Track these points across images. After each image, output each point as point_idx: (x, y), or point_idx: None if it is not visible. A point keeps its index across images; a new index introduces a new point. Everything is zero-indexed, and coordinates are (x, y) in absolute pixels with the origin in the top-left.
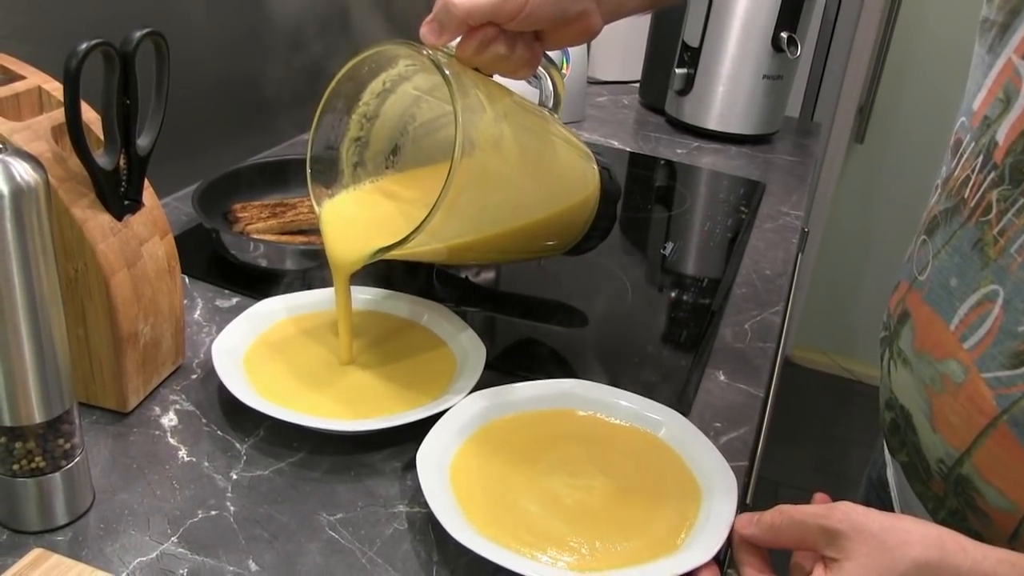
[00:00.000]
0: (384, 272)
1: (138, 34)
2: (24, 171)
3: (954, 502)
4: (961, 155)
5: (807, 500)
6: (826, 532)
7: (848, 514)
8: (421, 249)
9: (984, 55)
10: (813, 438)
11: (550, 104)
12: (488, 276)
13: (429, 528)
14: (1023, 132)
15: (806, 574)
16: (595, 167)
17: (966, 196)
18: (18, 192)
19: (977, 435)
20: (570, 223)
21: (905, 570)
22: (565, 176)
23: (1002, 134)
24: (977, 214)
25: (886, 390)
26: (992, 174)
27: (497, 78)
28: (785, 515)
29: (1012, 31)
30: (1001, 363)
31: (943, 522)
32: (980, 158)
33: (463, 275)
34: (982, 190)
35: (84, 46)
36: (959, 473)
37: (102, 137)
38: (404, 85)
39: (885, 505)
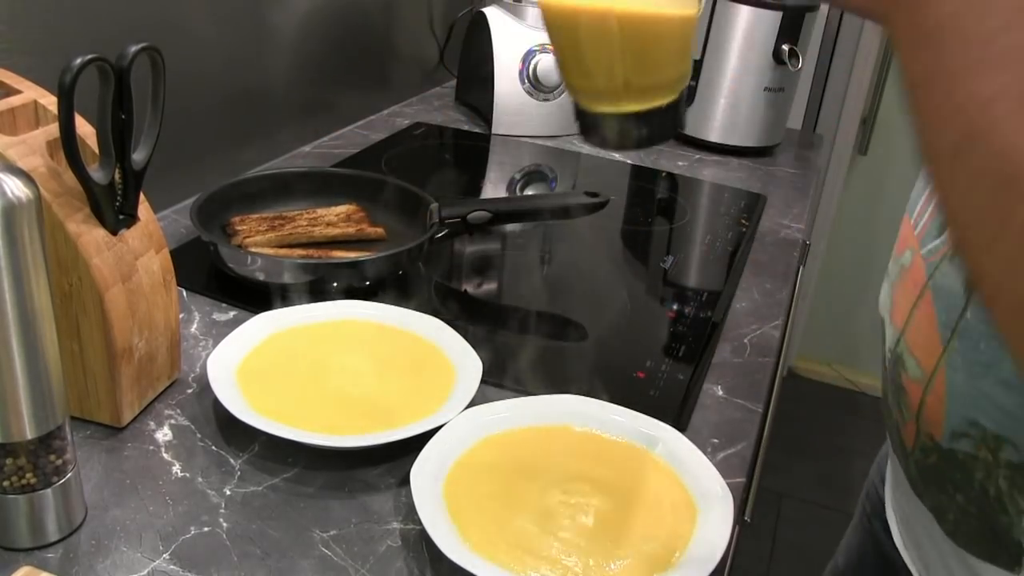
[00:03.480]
0: (382, 286)
1: (133, 49)
2: (16, 187)
3: (889, 394)
4: None
5: (810, 512)
6: None
7: None
8: None
9: None
10: (816, 449)
11: None
12: (487, 289)
13: (423, 545)
14: None
15: None
16: None
17: None
18: (9, 208)
19: (911, 308)
20: (688, 44)
21: None
22: None
23: None
24: None
25: (880, 325)
26: None
27: None
28: None
29: None
30: (933, 235)
31: (894, 437)
32: None
33: (462, 289)
34: None
35: (78, 61)
36: (897, 353)
37: (97, 151)
38: None
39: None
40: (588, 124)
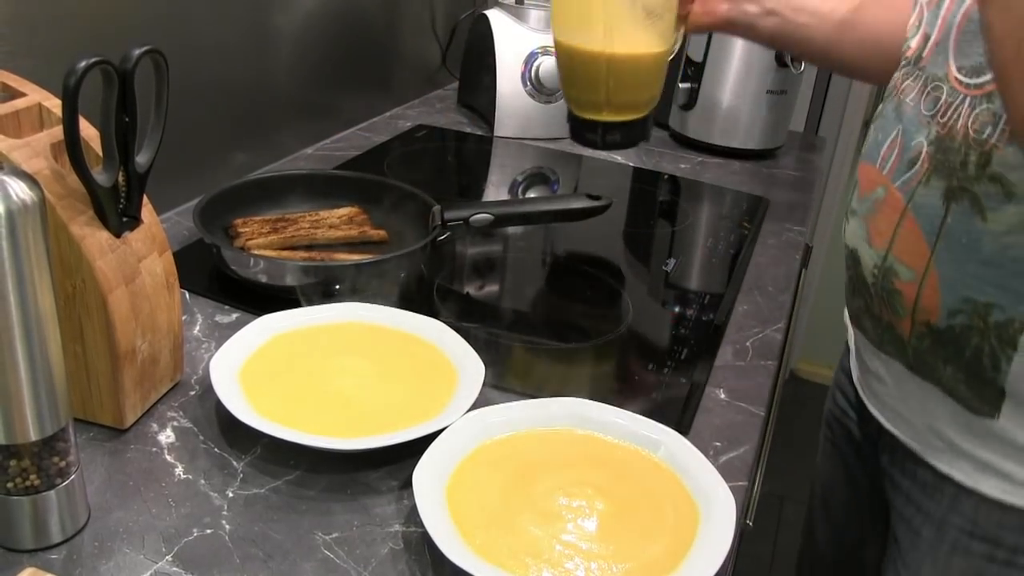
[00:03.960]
0: (384, 286)
1: (137, 52)
2: (20, 190)
3: (884, 305)
4: (897, 74)
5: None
6: None
7: None
8: None
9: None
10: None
11: None
12: (489, 291)
13: (425, 548)
14: (924, 35)
15: None
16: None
17: (893, 85)
18: (13, 211)
19: (894, 228)
20: (658, 75)
21: None
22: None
23: (913, 41)
24: (896, 93)
25: (844, 254)
26: (905, 66)
27: None
28: None
29: None
30: (903, 171)
31: (884, 337)
32: (902, 62)
33: (464, 291)
34: (901, 78)
35: (82, 64)
36: (885, 266)
37: (101, 154)
38: None
39: (845, 395)
40: (575, 126)
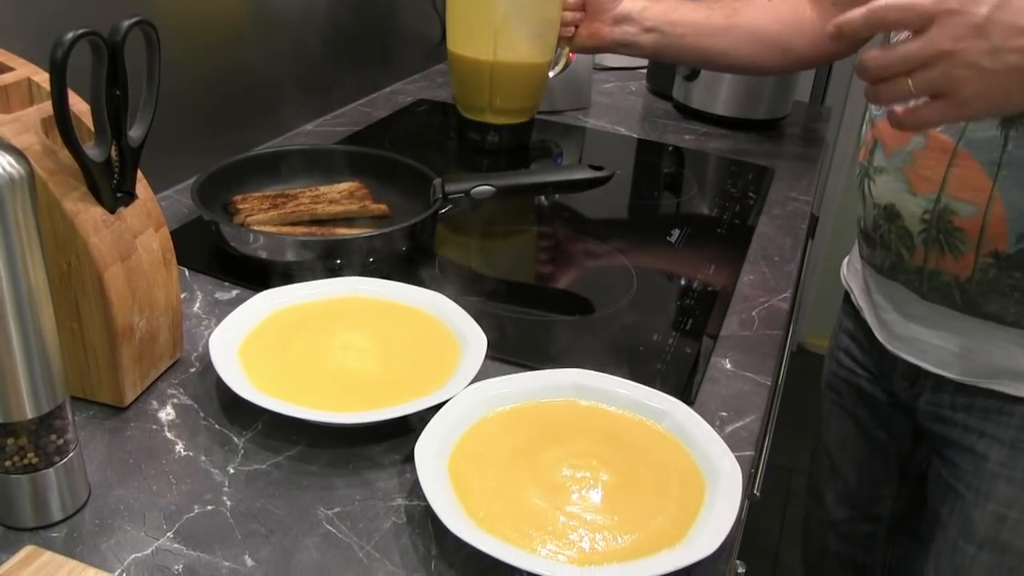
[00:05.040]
0: (385, 260)
1: (126, 23)
2: (7, 164)
3: (934, 250)
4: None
5: None
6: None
7: None
8: None
9: None
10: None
11: None
12: (491, 264)
13: (428, 522)
14: None
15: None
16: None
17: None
18: (1, 186)
19: (946, 168)
20: (537, 86)
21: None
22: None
23: None
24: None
25: (869, 213)
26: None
27: None
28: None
29: None
30: None
31: (929, 286)
32: None
33: (467, 264)
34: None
35: (70, 36)
36: (939, 208)
37: (93, 129)
38: None
39: (862, 333)
40: (462, 127)
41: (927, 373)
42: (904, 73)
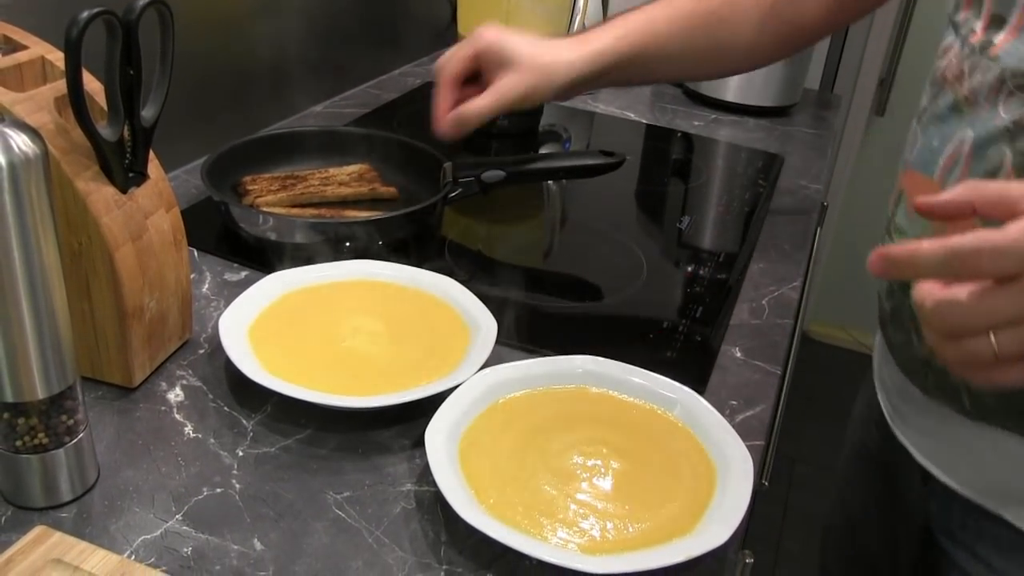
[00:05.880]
0: (395, 245)
1: (141, 3)
2: (23, 143)
3: None
4: (948, 55)
5: (824, 477)
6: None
7: None
8: None
9: None
10: (830, 414)
11: None
12: (501, 249)
13: (437, 507)
14: (992, 16)
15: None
16: None
17: (947, 76)
18: (16, 164)
19: None
20: None
21: None
22: None
23: (979, 24)
24: (954, 85)
25: (893, 283)
26: (966, 50)
27: None
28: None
29: None
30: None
31: (934, 382)
32: (960, 47)
33: (476, 248)
34: (958, 67)
35: (85, 15)
36: None
37: (106, 108)
38: None
39: (879, 428)
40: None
41: (936, 478)
42: (986, 330)
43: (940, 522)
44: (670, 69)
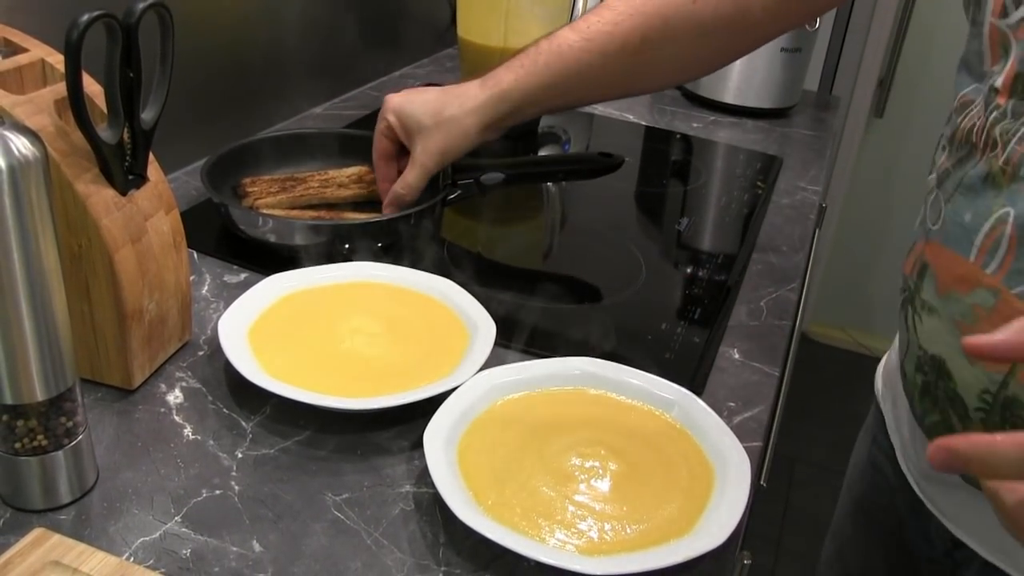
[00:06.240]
0: (394, 247)
1: (141, 6)
2: (22, 145)
3: (985, 431)
4: (969, 112)
5: (823, 477)
6: None
7: None
8: None
9: (971, 26)
10: (829, 414)
11: None
12: (500, 250)
13: (436, 509)
14: (1016, 75)
15: None
16: None
17: (974, 140)
18: (16, 167)
19: None
20: None
21: None
22: None
23: (1000, 80)
24: (986, 152)
25: (913, 351)
26: (995, 113)
27: None
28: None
29: (984, 1)
30: None
31: None
32: (985, 106)
33: (475, 250)
34: (987, 131)
35: (85, 18)
36: (1006, 395)
37: (106, 111)
38: None
39: (886, 479)
40: None
41: (974, 550)
42: None
43: None
44: (593, 92)
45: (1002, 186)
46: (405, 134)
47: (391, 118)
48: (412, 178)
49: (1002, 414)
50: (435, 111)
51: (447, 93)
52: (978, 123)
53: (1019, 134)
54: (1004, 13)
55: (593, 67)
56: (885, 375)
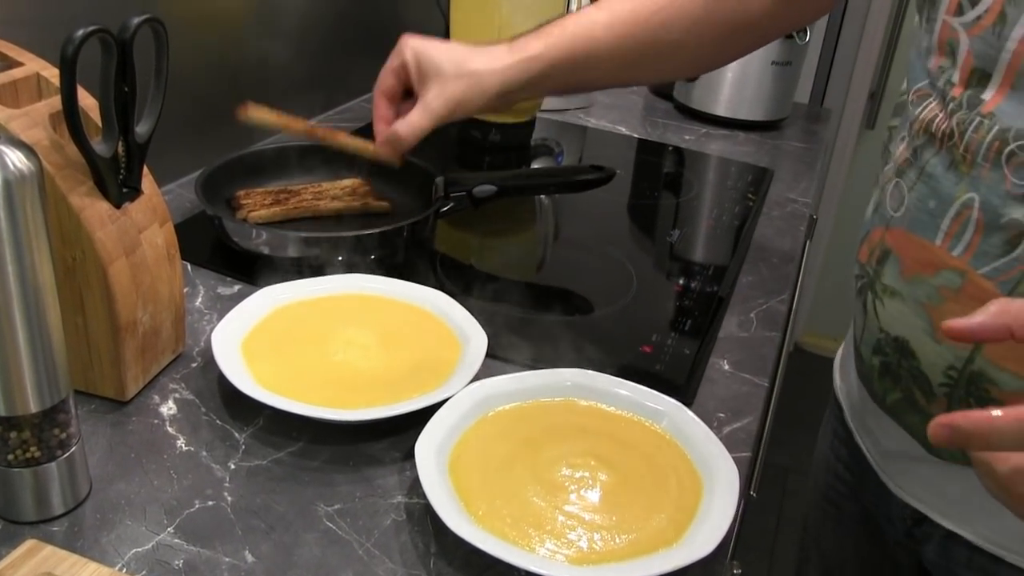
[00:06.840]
0: (387, 259)
1: (136, 21)
2: (17, 159)
3: (949, 409)
4: (928, 104)
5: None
6: None
7: None
8: None
9: (924, 23)
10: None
11: None
12: (492, 263)
13: (427, 519)
14: (973, 69)
15: None
16: None
17: (933, 131)
18: (11, 181)
19: None
20: None
21: None
22: None
23: (956, 75)
24: (945, 142)
25: (872, 335)
26: (951, 104)
27: None
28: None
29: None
30: (994, 255)
31: None
32: (942, 98)
33: (468, 262)
34: (946, 122)
35: (80, 33)
36: (971, 371)
37: (100, 124)
38: None
39: (847, 466)
40: (463, 124)
41: (938, 524)
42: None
43: (940, 565)
44: (608, 74)
45: (963, 173)
46: (419, 76)
47: (408, 55)
48: (417, 118)
49: (967, 388)
50: (459, 60)
51: (469, 50)
52: (938, 115)
53: (974, 123)
54: (959, 11)
55: (618, 47)
56: (841, 367)
